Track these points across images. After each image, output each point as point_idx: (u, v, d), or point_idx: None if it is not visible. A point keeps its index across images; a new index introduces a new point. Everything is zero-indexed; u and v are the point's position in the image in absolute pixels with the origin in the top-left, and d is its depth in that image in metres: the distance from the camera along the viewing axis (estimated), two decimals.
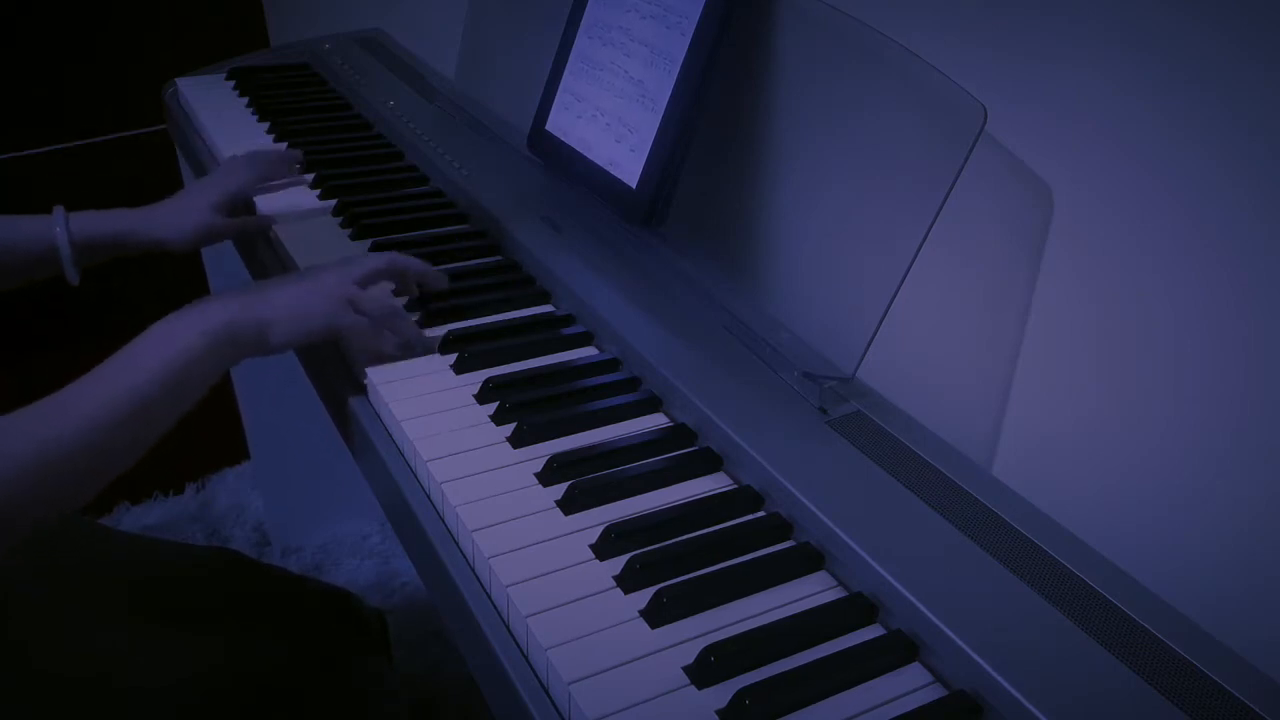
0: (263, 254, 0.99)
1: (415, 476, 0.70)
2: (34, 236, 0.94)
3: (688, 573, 0.60)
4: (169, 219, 1.00)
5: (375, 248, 0.95)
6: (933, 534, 0.61)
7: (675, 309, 0.83)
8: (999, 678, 0.52)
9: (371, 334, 0.79)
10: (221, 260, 1.46)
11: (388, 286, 0.84)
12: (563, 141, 0.99)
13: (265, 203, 1.04)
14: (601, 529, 0.63)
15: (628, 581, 0.60)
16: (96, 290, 2.25)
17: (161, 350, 0.69)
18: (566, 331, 0.84)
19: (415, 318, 0.84)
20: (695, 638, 0.56)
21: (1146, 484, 0.72)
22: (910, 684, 0.55)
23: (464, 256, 0.95)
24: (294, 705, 0.92)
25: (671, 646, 0.56)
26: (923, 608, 0.55)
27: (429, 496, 0.68)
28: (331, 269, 0.79)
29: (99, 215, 0.98)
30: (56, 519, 0.65)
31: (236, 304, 0.74)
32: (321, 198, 1.06)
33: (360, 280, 0.79)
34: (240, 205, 1.05)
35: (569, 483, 0.67)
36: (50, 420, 0.64)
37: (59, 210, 0.95)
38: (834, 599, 0.60)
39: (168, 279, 2.24)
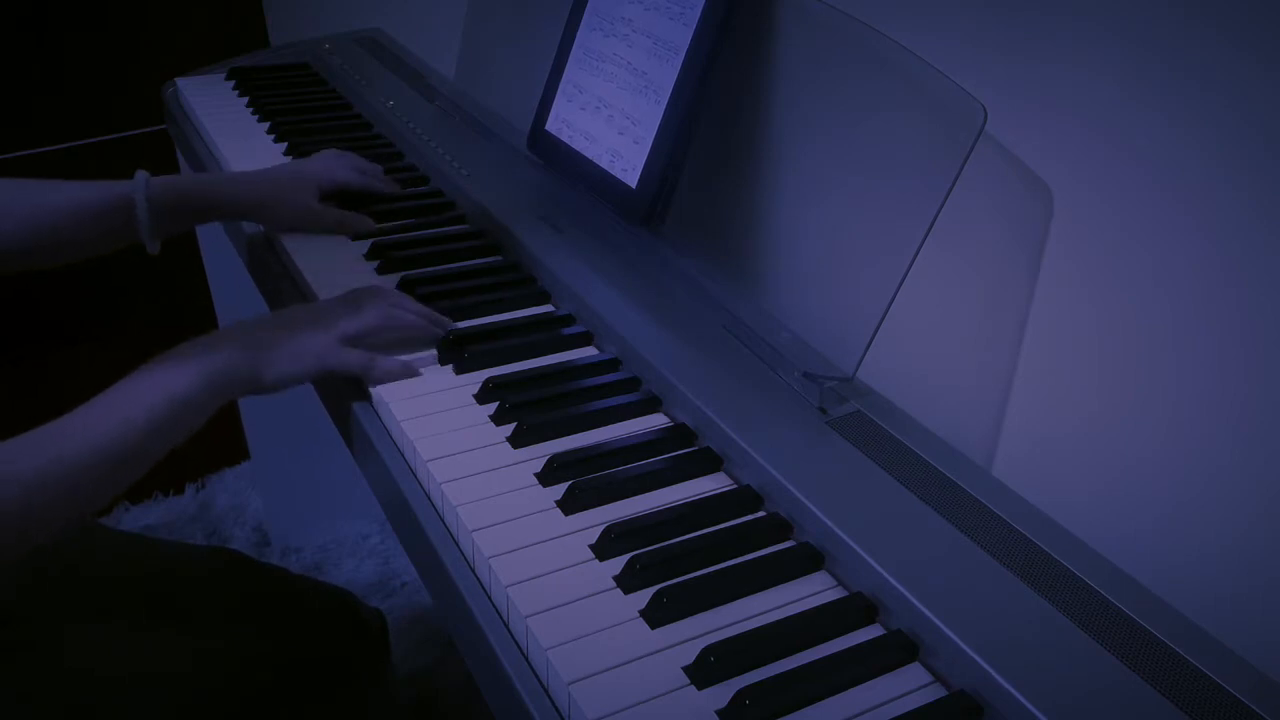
0: (262, 253, 0.99)
1: (415, 477, 0.70)
2: (112, 202, 0.90)
3: (688, 573, 0.60)
4: (268, 195, 0.96)
5: (375, 248, 0.95)
6: (933, 534, 0.61)
7: (675, 309, 0.83)
8: (999, 678, 0.52)
9: (367, 367, 0.77)
10: (222, 259, 1.46)
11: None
12: (563, 141, 0.99)
13: None
14: (601, 529, 0.63)
15: (628, 581, 0.60)
16: (98, 292, 2.25)
17: (156, 390, 0.69)
18: (566, 331, 0.84)
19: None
20: (695, 638, 0.56)
21: (1146, 484, 0.72)
22: (910, 684, 0.55)
23: (464, 256, 0.95)
24: (294, 705, 0.92)
25: (671, 646, 0.56)
26: (923, 608, 0.55)
27: (429, 497, 0.68)
28: (330, 309, 0.79)
29: (185, 180, 0.94)
30: (46, 541, 0.66)
31: (232, 345, 0.73)
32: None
33: (355, 335, 0.78)
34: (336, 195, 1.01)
35: (569, 483, 0.67)
36: (50, 452, 0.64)
37: (141, 174, 0.91)
38: (834, 599, 0.60)
39: (168, 281, 2.24)
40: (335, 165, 1.02)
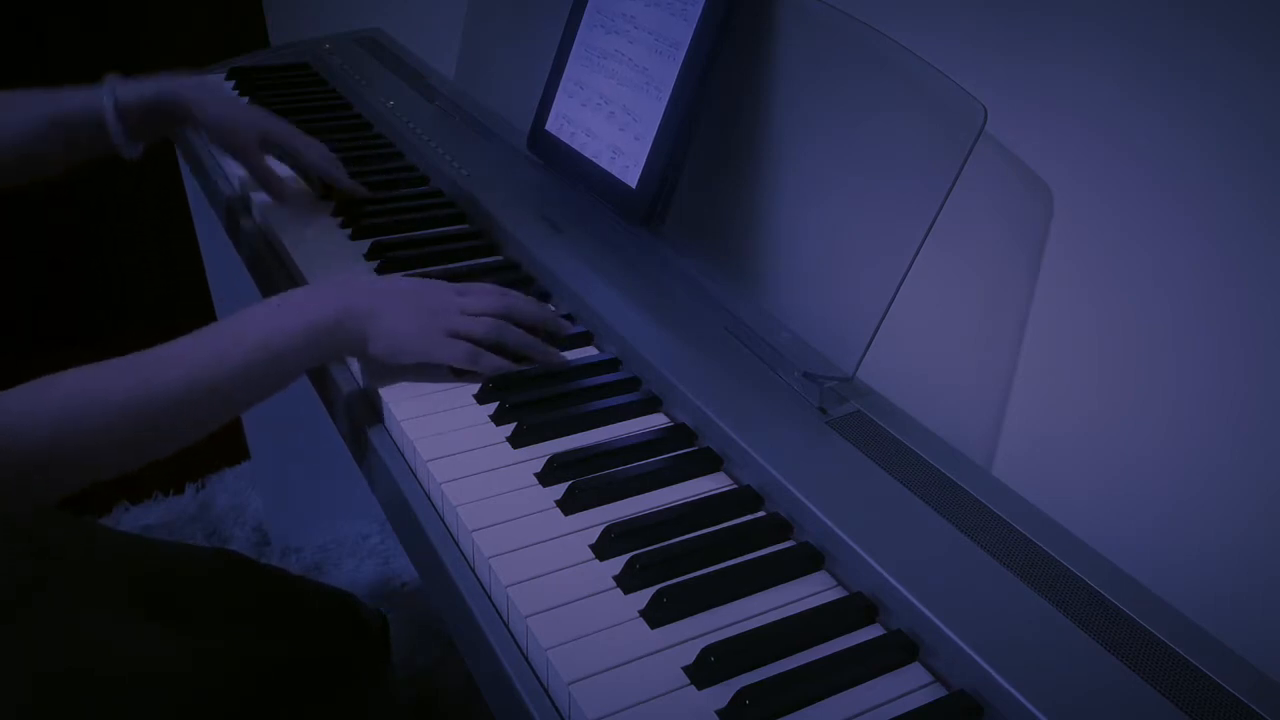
0: (262, 252, 0.99)
1: (415, 477, 0.70)
2: (79, 113, 0.91)
3: (688, 573, 0.60)
4: (219, 110, 0.98)
5: (375, 248, 0.95)
6: (933, 534, 0.61)
7: (675, 309, 0.83)
8: (999, 678, 0.52)
9: (474, 362, 0.76)
10: (222, 259, 1.46)
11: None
12: (563, 141, 0.99)
13: (264, 199, 1.04)
14: (601, 529, 0.63)
15: (628, 581, 0.60)
16: (98, 292, 2.25)
17: (261, 331, 0.68)
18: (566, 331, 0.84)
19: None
20: (695, 638, 0.56)
21: (1146, 484, 0.72)
22: (910, 684, 0.55)
23: (464, 256, 0.95)
24: (294, 706, 0.92)
25: (671, 646, 0.56)
26: (923, 608, 0.55)
27: (429, 497, 0.68)
28: (445, 295, 0.77)
29: (147, 81, 0.96)
30: (126, 468, 0.66)
31: (346, 306, 0.72)
32: (321, 197, 1.06)
33: (464, 335, 0.76)
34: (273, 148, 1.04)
35: (569, 483, 0.67)
36: (142, 373, 0.64)
37: (110, 79, 0.93)
38: (834, 599, 0.60)
39: (168, 281, 2.24)
40: (290, 130, 1.03)
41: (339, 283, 0.76)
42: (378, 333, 0.74)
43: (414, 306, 0.75)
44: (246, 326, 0.69)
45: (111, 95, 0.91)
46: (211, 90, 1.00)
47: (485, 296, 0.78)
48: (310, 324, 0.71)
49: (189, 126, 1.03)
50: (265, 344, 0.68)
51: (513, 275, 0.92)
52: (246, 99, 1.31)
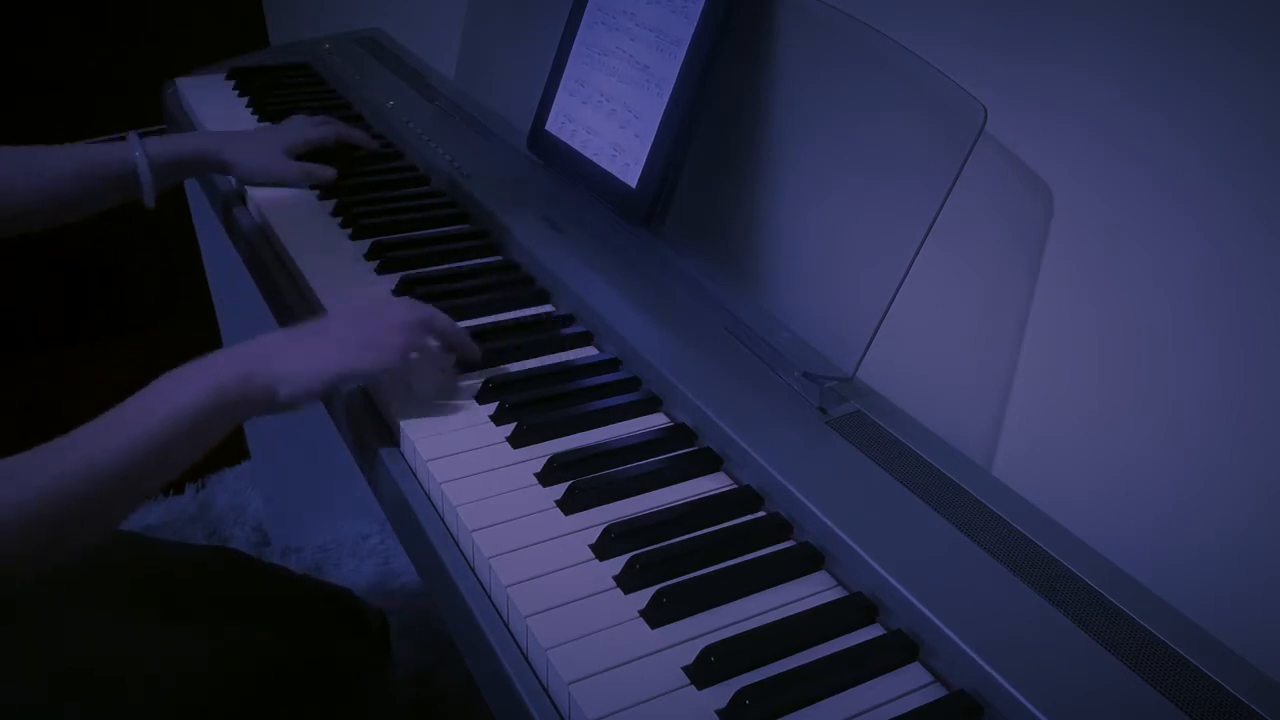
0: (262, 252, 0.99)
1: (416, 477, 0.70)
2: (112, 162, 0.96)
3: (688, 573, 0.60)
4: (244, 147, 1.05)
5: (375, 248, 0.95)
6: (933, 534, 0.61)
7: (675, 309, 0.83)
8: (999, 678, 0.52)
9: (382, 365, 0.73)
10: (222, 259, 1.46)
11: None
12: (563, 141, 0.99)
13: (263, 200, 1.04)
14: (601, 529, 0.63)
15: (628, 581, 0.60)
16: (98, 292, 2.25)
17: (167, 407, 0.66)
18: (566, 331, 0.84)
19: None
20: (695, 638, 0.56)
21: (1146, 484, 0.72)
22: (910, 684, 0.55)
23: (464, 256, 0.95)
24: (294, 704, 0.92)
25: (671, 646, 0.56)
26: (923, 608, 0.55)
27: (429, 497, 0.68)
28: (354, 317, 0.75)
29: (174, 139, 1.02)
30: (57, 563, 0.63)
31: (247, 361, 0.70)
32: (321, 197, 1.06)
33: (386, 339, 0.73)
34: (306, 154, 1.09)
35: (569, 483, 0.67)
36: (53, 466, 0.62)
37: (134, 135, 0.98)
38: (834, 599, 0.60)
39: (169, 282, 2.24)
40: (302, 125, 1.10)
41: (240, 345, 0.73)
42: (286, 376, 0.70)
43: (319, 340, 0.73)
44: (150, 403, 0.67)
45: (143, 152, 0.97)
46: (236, 137, 1.06)
47: (400, 310, 0.76)
48: (214, 389, 0.68)
49: (206, 171, 1.10)
50: (172, 418, 0.66)
51: (513, 275, 0.92)
52: (248, 99, 1.31)
